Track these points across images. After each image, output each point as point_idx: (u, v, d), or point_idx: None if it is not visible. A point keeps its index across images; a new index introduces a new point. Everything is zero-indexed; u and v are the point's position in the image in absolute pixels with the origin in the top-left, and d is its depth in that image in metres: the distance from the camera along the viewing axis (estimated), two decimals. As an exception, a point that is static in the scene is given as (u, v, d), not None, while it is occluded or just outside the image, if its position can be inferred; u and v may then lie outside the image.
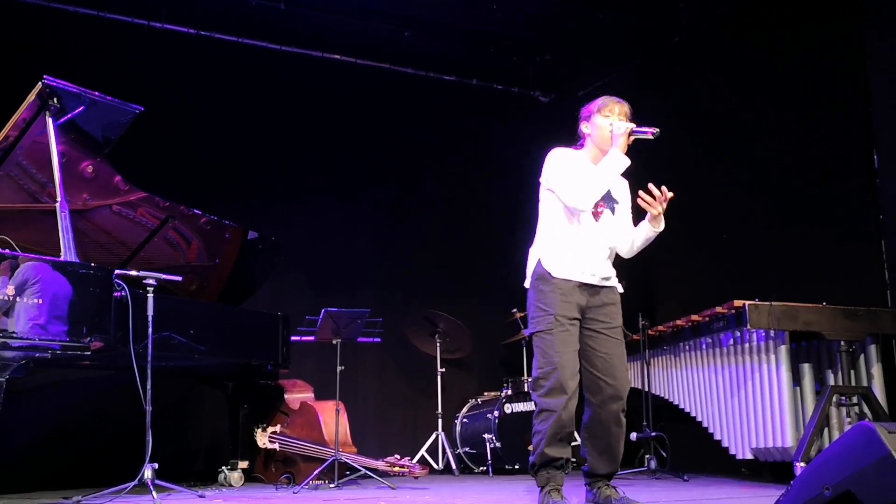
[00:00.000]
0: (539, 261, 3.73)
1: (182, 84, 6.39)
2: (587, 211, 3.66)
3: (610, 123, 3.66)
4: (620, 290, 3.82)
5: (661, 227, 3.72)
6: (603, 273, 3.72)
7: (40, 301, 3.78)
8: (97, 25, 6.24)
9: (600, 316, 3.70)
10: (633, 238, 3.79)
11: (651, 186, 3.65)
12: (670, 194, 3.66)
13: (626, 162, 3.64)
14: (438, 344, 6.72)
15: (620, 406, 3.64)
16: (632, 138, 3.64)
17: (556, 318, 3.59)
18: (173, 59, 6.46)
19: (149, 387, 4.23)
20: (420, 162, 7.43)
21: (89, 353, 3.96)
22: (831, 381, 4.68)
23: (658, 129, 3.60)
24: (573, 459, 3.83)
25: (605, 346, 3.66)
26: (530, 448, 6.21)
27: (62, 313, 3.85)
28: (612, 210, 3.77)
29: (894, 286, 5.05)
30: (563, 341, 3.58)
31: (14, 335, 3.71)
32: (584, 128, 3.79)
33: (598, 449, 3.68)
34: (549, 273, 3.66)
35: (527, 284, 3.81)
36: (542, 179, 3.80)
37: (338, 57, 7.19)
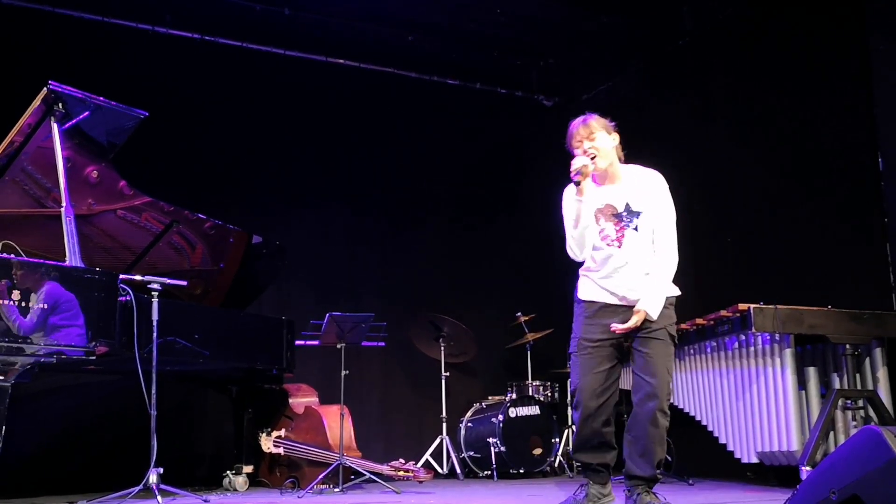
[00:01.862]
0: (578, 284, 3.86)
1: (187, 89, 6.40)
2: (586, 257, 3.71)
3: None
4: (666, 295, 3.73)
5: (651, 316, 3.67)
6: (632, 295, 3.67)
7: (45, 306, 3.79)
8: (102, 31, 6.26)
9: (643, 326, 3.67)
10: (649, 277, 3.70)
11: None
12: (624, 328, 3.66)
13: (618, 199, 3.68)
14: (443, 348, 6.71)
15: (657, 405, 3.59)
16: (590, 171, 3.59)
17: (579, 341, 3.76)
18: (178, 64, 6.47)
19: (153, 391, 4.24)
20: (423, 165, 7.43)
21: (94, 357, 3.97)
22: (837, 385, 4.66)
23: (573, 171, 3.53)
24: (610, 462, 3.83)
25: (646, 346, 3.67)
26: (535, 452, 6.28)
27: (67, 318, 3.85)
28: (636, 228, 3.68)
29: (900, 289, 5.04)
30: (584, 364, 3.72)
31: (19, 340, 3.71)
32: None
33: (637, 451, 3.66)
34: (578, 296, 3.83)
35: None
36: None
37: (341, 61, 7.20)
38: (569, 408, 6.28)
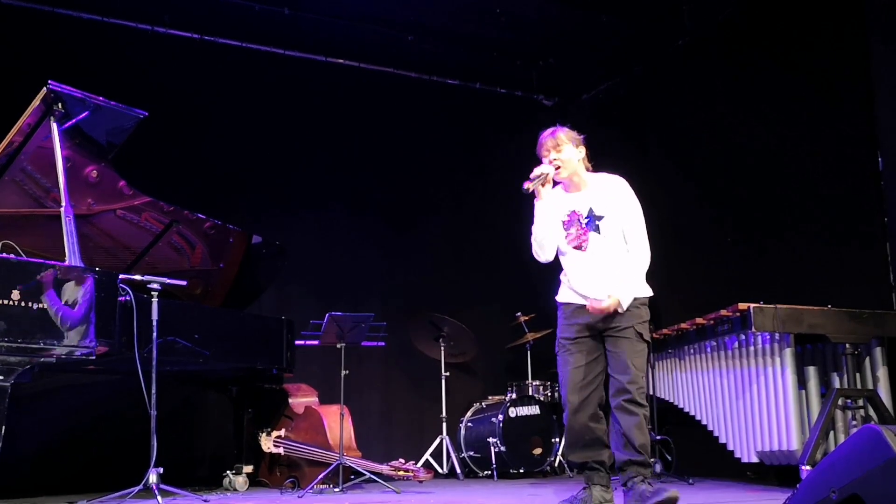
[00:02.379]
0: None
1: (186, 89, 6.40)
2: (550, 259, 3.94)
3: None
4: (634, 295, 3.84)
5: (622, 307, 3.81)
6: (600, 292, 3.82)
7: (45, 306, 3.78)
8: (101, 31, 6.26)
9: (611, 324, 3.85)
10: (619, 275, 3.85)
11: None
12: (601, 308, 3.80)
13: (581, 204, 3.89)
14: (443, 348, 6.71)
15: (627, 397, 3.75)
16: (545, 184, 3.86)
17: (559, 340, 3.98)
18: (177, 64, 6.47)
19: (153, 391, 4.24)
20: (423, 165, 7.43)
21: (94, 357, 3.96)
22: (837, 384, 4.67)
23: (526, 187, 3.85)
24: (604, 459, 3.86)
25: (615, 346, 3.85)
26: (535, 452, 6.28)
27: (67, 318, 3.85)
28: (598, 229, 3.86)
29: (899, 289, 5.04)
30: (564, 361, 3.93)
31: (19, 340, 3.71)
32: None
33: (619, 443, 3.79)
34: (557, 299, 4.04)
35: None
36: None
37: (341, 61, 7.20)
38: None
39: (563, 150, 3.89)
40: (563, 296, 4.00)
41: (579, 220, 3.89)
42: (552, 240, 3.90)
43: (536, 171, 3.86)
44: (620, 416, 3.77)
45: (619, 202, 3.90)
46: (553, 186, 3.94)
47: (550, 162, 3.88)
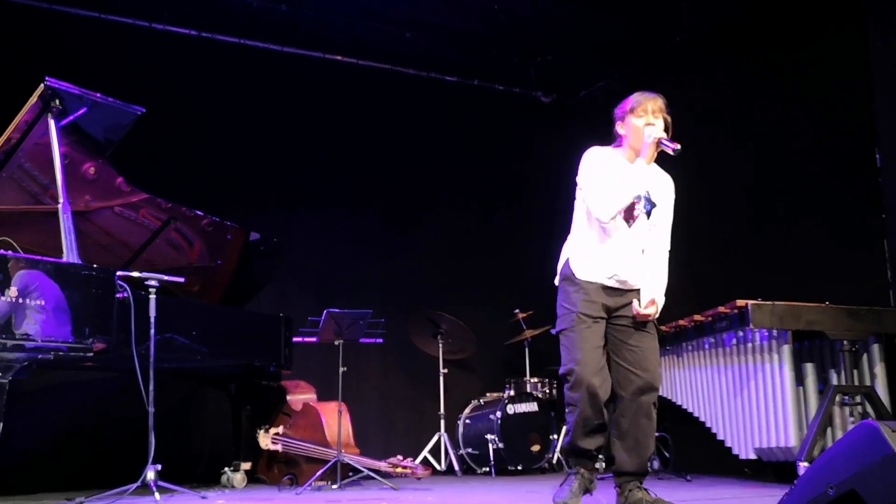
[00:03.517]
0: (567, 261, 3.75)
1: (184, 85, 6.40)
2: (608, 221, 3.61)
3: (644, 124, 3.60)
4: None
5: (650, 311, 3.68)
6: (630, 278, 3.68)
7: (42, 303, 3.78)
8: (99, 27, 6.25)
9: (628, 312, 3.68)
10: (650, 269, 3.72)
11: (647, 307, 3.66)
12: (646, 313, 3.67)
13: (648, 185, 3.63)
14: (441, 345, 6.71)
15: (651, 398, 3.62)
16: (659, 148, 3.60)
17: (578, 315, 3.63)
18: (175, 60, 6.47)
19: (151, 388, 4.23)
20: (421, 161, 7.42)
21: (91, 354, 3.96)
22: (834, 381, 4.67)
23: (679, 147, 3.53)
24: (602, 447, 3.80)
25: (633, 339, 3.67)
26: (534, 449, 6.28)
27: (64, 315, 3.85)
28: (649, 214, 3.69)
29: (897, 285, 5.04)
30: (586, 338, 3.61)
31: (16, 337, 3.71)
32: (619, 128, 3.73)
33: (626, 446, 3.64)
34: (574, 275, 3.69)
35: (556, 282, 3.83)
36: (577, 179, 3.76)
37: (339, 58, 7.19)
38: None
39: (662, 119, 3.63)
40: (586, 273, 3.67)
41: (638, 196, 3.65)
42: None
43: (661, 135, 3.56)
44: (639, 419, 3.60)
45: (670, 201, 3.77)
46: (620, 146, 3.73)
47: (667, 137, 3.57)
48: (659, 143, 3.57)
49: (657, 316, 3.69)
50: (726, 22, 6.33)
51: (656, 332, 3.73)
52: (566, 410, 3.69)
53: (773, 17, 5.97)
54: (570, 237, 3.82)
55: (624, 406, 3.65)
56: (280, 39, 6.90)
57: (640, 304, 3.66)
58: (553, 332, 3.85)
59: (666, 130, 3.63)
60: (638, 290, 3.71)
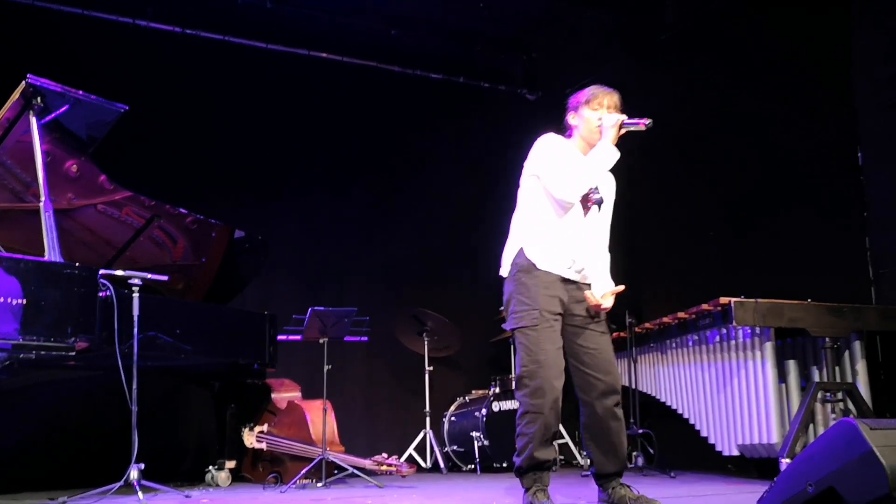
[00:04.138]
0: (521, 250, 3.62)
1: (168, 83, 6.36)
2: (574, 203, 3.56)
3: (599, 117, 3.58)
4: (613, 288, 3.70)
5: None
6: (586, 268, 3.63)
7: (24, 301, 3.76)
8: (82, 24, 6.21)
9: (581, 310, 3.60)
10: (600, 262, 3.70)
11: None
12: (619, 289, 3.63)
13: (617, 154, 3.55)
14: (426, 342, 6.71)
15: (615, 400, 3.56)
16: (623, 131, 3.56)
17: (541, 313, 3.49)
18: (159, 57, 6.43)
19: (134, 387, 4.22)
20: (407, 160, 7.42)
21: (74, 353, 3.94)
22: (816, 378, 4.70)
23: (651, 121, 3.51)
24: (561, 457, 3.79)
25: (591, 341, 3.58)
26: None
27: (46, 314, 3.83)
28: (599, 206, 3.66)
29: (878, 283, 5.08)
30: (549, 338, 3.48)
31: (-2, 336, 3.69)
32: (571, 119, 3.71)
33: (602, 448, 3.59)
34: (534, 264, 3.56)
35: (504, 273, 3.71)
36: (527, 165, 3.69)
37: (324, 55, 7.17)
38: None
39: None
40: (546, 262, 3.55)
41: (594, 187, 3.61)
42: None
43: (622, 117, 3.54)
44: (611, 422, 3.53)
45: (612, 198, 3.77)
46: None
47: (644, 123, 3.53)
48: (623, 124, 3.54)
49: (609, 310, 3.63)
50: (711, 19, 6.35)
51: (609, 331, 3.68)
52: (524, 421, 3.48)
53: (756, 13, 5.99)
54: (518, 227, 3.71)
55: (590, 411, 3.57)
56: (265, 36, 6.88)
57: (593, 297, 3.56)
58: (507, 328, 3.72)
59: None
60: (589, 286, 3.65)
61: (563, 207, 3.58)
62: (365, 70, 7.34)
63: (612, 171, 3.70)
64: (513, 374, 6.69)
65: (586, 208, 3.63)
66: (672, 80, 6.67)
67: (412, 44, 7.25)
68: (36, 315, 3.81)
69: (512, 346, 6.78)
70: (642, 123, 3.52)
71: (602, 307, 3.58)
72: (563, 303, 3.56)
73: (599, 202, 3.65)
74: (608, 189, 3.76)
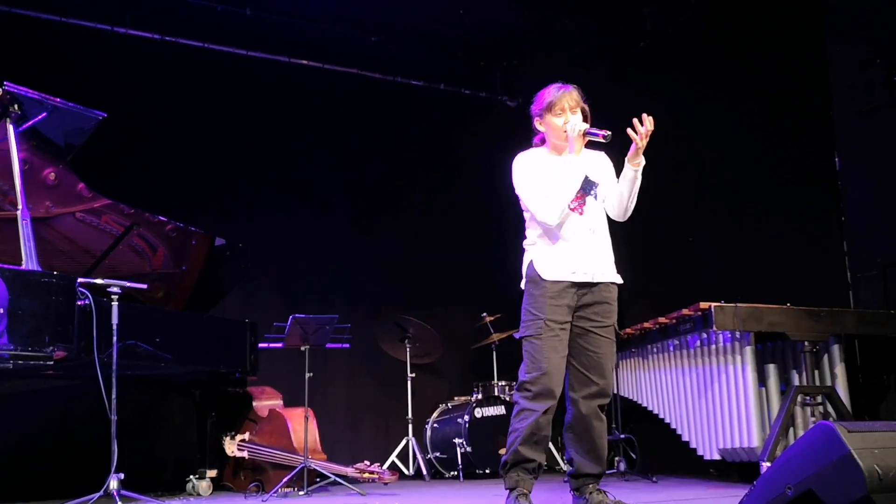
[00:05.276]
0: (531, 262, 3.69)
1: (147, 90, 6.33)
2: (557, 223, 3.59)
3: (564, 122, 3.62)
4: (619, 281, 3.72)
5: (641, 162, 3.59)
6: (597, 268, 3.63)
7: (0, 310, 3.72)
8: (60, 31, 6.17)
9: (592, 314, 3.64)
10: (621, 192, 3.64)
11: (635, 121, 3.53)
12: (651, 127, 3.55)
13: (584, 169, 3.61)
14: (408, 349, 6.71)
15: (602, 402, 3.62)
16: (586, 139, 3.62)
17: (545, 322, 3.56)
18: (138, 65, 6.40)
19: (114, 396, 4.18)
20: (388, 166, 7.42)
21: (52, 362, 3.90)
22: (796, 382, 4.74)
23: (610, 133, 3.56)
24: (545, 465, 3.80)
25: (594, 345, 3.63)
26: (501, 452, 6.25)
27: (23, 323, 3.79)
28: (595, 196, 3.69)
29: (856, 287, 5.13)
30: (552, 347, 3.55)
31: (-26, 346, 3.65)
32: (538, 125, 3.75)
33: (583, 448, 3.62)
34: (540, 276, 3.62)
35: (522, 286, 3.77)
36: (515, 188, 3.75)
37: (305, 62, 7.16)
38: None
39: (579, 111, 3.65)
40: (551, 273, 3.60)
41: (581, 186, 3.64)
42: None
43: (584, 126, 3.58)
44: (594, 421, 3.59)
45: (610, 172, 3.76)
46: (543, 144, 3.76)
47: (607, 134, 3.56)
48: (585, 133, 3.59)
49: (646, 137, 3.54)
50: (688, 28, 6.40)
51: (615, 337, 3.71)
52: (518, 416, 3.57)
53: (734, 22, 6.05)
54: (527, 240, 3.77)
55: (576, 409, 3.61)
56: (245, 44, 6.86)
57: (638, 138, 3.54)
58: (516, 336, 3.79)
59: (585, 120, 3.65)
60: (606, 284, 3.67)
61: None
62: (345, 77, 7.34)
63: (604, 149, 3.73)
64: (494, 381, 6.72)
65: (579, 208, 3.65)
66: (650, 88, 6.71)
67: (393, 51, 7.25)
68: (13, 324, 3.77)
69: (494, 353, 6.85)
70: (601, 135, 3.58)
71: (646, 128, 3.52)
72: (571, 308, 3.61)
73: (594, 193, 3.67)
74: (601, 170, 3.75)
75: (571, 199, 3.61)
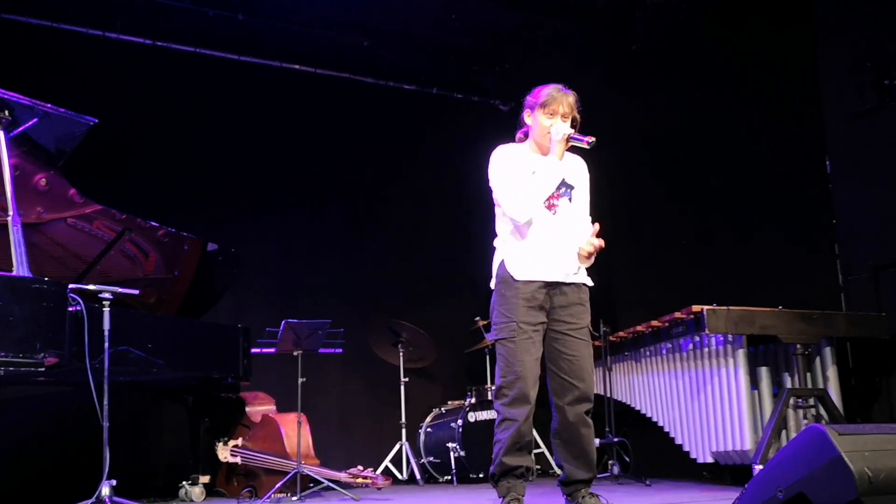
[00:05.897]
0: (503, 262, 3.67)
1: (138, 95, 6.31)
2: (527, 220, 3.59)
3: (551, 124, 3.63)
4: (590, 283, 3.72)
5: (590, 262, 3.66)
6: (568, 268, 3.63)
7: (-9, 317, 3.70)
8: (51, 36, 6.15)
9: (566, 316, 3.63)
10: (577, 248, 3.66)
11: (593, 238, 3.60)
12: (600, 243, 3.61)
13: (562, 172, 3.63)
14: (401, 353, 6.70)
15: (586, 407, 3.59)
16: (569, 144, 3.64)
17: (518, 325, 3.55)
18: (129, 70, 6.38)
19: (105, 402, 4.16)
20: (381, 171, 7.42)
21: (43, 369, 3.88)
22: (788, 384, 4.75)
23: (594, 139, 3.58)
24: (538, 467, 3.79)
25: (571, 348, 3.61)
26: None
27: (14, 329, 3.77)
28: (570, 198, 3.69)
29: (847, 289, 5.15)
30: (526, 350, 3.53)
31: (-35, 352, 3.63)
32: (527, 117, 3.75)
33: (572, 454, 3.61)
34: (512, 276, 3.61)
35: (492, 285, 3.75)
36: (490, 181, 3.75)
37: (297, 67, 7.16)
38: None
39: (570, 118, 3.66)
40: (523, 272, 3.59)
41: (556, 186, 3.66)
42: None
43: (569, 132, 3.61)
44: (581, 428, 3.57)
45: (585, 181, 3.78)
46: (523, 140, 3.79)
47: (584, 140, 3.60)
48: (569, 138, 3.61)
49: (595, 252, 3.60)
50: (680, 31, 6.42)
51: (591, 339, 3.70)
52: (500, 427, 3.56)
53: (726, 26, 6.07)
54: (498, 239, 3.76)
55: (562, 416, 3.60)
56: (237, 49, 6.85)
57: (584, 248, 3.60)
58: (489, 337, 3.78)
59: (573, 128, 3.66)
60: (578, 285, 3.67)
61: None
62: (338, 82, 7.34)
63: (584, 157, 3.74)
64: (488, 385, 6.70)
65: (552, 207, 3.65)
66: (643, 91, 6.72)
67: (385, 56, 7.26)
68: (4, 331, 3.75)
69: (487, 357, 6.84)
70: (585, 141, 3.60)
71: (595, 246, 3.57)
72: (545, 309, 3.60)
73: (569, 195, 3.69)
74: (577, 175, 3.76)
75: (545, 198, 3.61)
